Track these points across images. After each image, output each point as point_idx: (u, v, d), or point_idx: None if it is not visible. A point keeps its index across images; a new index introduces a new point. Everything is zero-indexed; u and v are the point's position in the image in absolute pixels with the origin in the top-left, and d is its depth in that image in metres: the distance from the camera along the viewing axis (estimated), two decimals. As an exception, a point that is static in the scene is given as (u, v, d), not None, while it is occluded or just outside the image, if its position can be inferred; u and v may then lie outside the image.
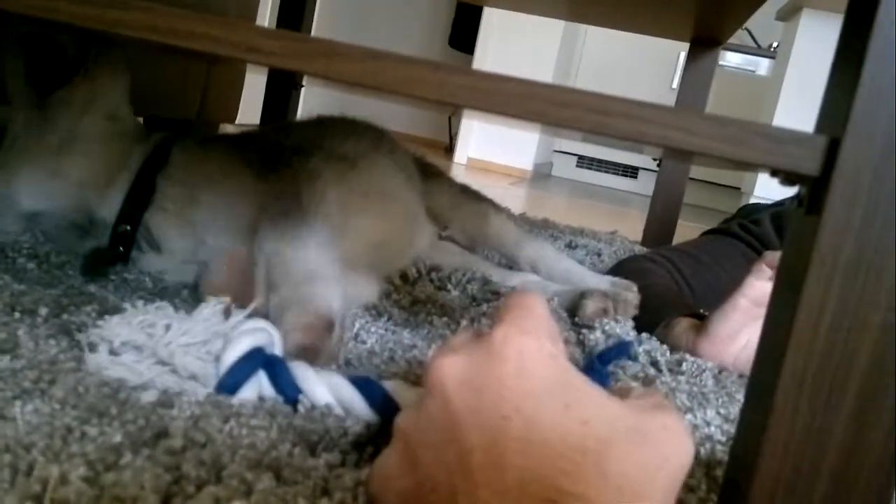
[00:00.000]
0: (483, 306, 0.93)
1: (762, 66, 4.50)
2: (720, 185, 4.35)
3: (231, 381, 0.51)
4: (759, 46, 4.61)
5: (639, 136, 0.41)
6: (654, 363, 0.79)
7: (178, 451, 0.42)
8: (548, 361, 0.39)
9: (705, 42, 1.61)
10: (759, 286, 0.78)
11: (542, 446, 0.35)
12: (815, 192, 0.41)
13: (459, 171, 3.80)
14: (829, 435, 0.40)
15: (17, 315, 0.60)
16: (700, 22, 1.44)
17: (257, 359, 0.52)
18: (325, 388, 0.52)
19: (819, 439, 0.40)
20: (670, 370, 0.77)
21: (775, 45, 4.27)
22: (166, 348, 0.51)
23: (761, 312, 0.72)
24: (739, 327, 0.78)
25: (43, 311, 0.62)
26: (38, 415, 0.44)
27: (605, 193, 4.13)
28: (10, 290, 0.65)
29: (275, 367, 0.53)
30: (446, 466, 0.36)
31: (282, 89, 1.71)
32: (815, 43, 3.12)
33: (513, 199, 3.00)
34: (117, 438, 0.43)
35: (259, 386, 0.53)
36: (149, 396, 0.49)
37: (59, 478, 0.38)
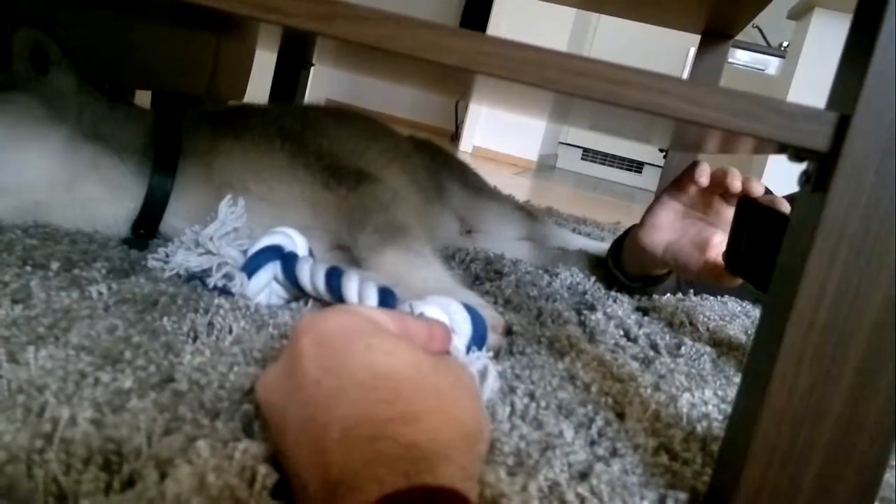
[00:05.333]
0: (486, 285, 0.93)
1: (772, 64, 4.49)
2: (724, 182, 4.34)
3: (252, 266, 0.67)
4: (769, 45, 4.60)
5: (651, 107, 0.41)
6: (654, 346, 0.80)
7: (184, 393, 0.43)
8: (339, 319, 0.41)
9: (716, 35, 1.61)
10: (679, 186, 0.88)
11: (356, 390, 0.37)
12: (822, 168, 0.41)
13: (464, 159, 3.80)
14: (828, 407, 0.41)
15: (28, 268, 0.61)
16: (713, 13, 1.44)
17: (275, 252, 0.68)
18: (321, 278, 0.65)
19: (817, 410, 0.41)
20: (669, 353, 0.78)
21: (786, 44, 4.26)
22: (211, 241, 0.69)
23: (686, 213, 0.85)
24: (664, 219, 0.91)
25: (54, 265, 0.62)
26: (53, 360, 0.45)
27: (610, 187, 4.13)
28: (21, 244, 0.66)
29: (288, 260, 0.68)
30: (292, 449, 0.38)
31: (291, 68, 1.70)
32: (826, 43, 3.11)
33: (517, 188, 3.00)
34: (128, 384, 0.44)
35: (273, 272, 0.68)
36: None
37: (69, 419, 0.39)
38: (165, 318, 0.57)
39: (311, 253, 0.72)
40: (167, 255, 0.70)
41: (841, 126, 0.40)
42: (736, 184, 0.82)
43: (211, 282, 0.67)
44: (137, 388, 0.44)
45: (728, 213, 0.85)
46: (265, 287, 0.68)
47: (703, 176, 0.85)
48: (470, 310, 0.58)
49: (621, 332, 0.82)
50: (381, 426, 0.35)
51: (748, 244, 0.72)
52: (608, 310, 0.88)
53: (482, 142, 4.04)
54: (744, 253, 0.73)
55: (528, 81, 0.43)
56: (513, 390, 0.58)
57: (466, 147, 4.08)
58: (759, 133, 0.41)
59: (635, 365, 0.71)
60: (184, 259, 0.69)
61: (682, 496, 0.46)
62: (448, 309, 0.56)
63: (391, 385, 0.37)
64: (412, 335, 0.44)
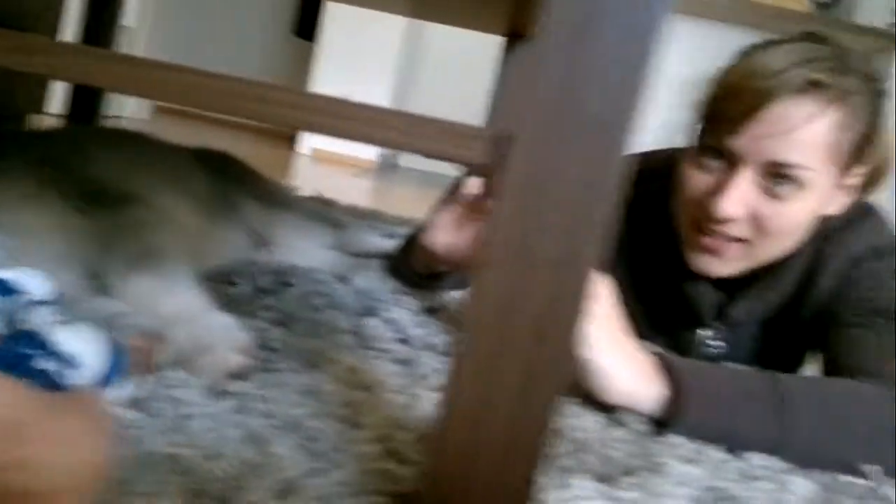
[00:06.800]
0: (269, 298, 0.92)
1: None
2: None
3: None
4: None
5: (304, 125, 0.42)
6: (429, 346, 0.82)
7: None
8: None
9: (519, 36, 1.67)
10: (463, 194, 0.90)
11: None
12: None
13: (304, 162, 3.74)
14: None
15: None
16: (514, 16, 1.49)
17: None
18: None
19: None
20: (443, 352, 0.81)
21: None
22: None
23: (466, 214, 0.87)
24: (444, 221, 0.91)
25: None
26: None
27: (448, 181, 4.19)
28: None
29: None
30: None
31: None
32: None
33: (356, 191, 3.00)
34: None
35: None
36: None
37: None
38: None
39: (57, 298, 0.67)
40: None
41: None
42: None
43: None
44: None
45: None
46: None
47: (469, 190, 0.88)
48: (114, 345, 0.56)
49: (396, 336, 0.84)
50: None
51: None
52: (388, 314, 0.89)
53: (321, 143, 3.95)
54: None
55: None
56: (246, 411, 0.57)
57: (305, 149, 4.00)
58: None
59: (395, 368, 0.73)
60: None
61: (385, 500, 0.47)
62: (84, 338, 0.54)
63: None
64: None
